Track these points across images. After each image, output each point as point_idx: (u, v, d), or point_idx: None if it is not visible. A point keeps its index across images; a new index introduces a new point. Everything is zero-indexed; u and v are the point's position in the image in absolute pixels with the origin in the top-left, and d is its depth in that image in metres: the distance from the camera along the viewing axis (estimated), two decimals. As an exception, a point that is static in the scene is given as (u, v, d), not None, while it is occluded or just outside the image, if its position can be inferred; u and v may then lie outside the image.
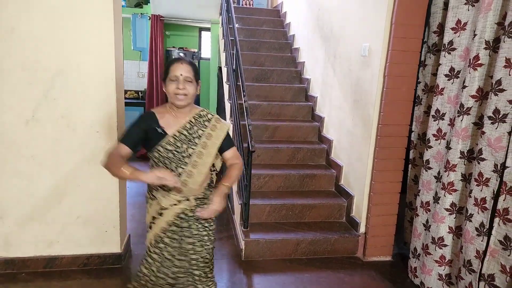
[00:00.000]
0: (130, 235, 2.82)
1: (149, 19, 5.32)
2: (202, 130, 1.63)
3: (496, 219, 1.93)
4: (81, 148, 2.32)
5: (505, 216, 1.89)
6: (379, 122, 2.62)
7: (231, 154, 1.71)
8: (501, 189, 1.91)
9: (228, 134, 1.70)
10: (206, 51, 6.77)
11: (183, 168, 1.59)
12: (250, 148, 2.56)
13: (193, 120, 1.63)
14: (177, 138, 1.59)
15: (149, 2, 5.14)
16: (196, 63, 5.98)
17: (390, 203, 2.76)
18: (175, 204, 1.63)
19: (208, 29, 6.33)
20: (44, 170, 2.31)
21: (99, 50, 2.23)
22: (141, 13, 5.55)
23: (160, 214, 1.65)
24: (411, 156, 2.78)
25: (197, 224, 1.69)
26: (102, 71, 2.25)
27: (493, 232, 1.95)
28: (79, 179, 2.36)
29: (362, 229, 2.86)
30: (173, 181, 1.45)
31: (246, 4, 6.00)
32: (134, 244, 2.83)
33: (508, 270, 1.90)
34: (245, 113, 2.74)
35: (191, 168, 1.60)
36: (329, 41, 3.54)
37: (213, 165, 1.77)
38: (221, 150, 1.69)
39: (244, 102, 2.82)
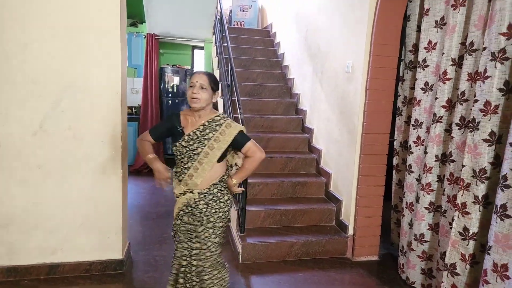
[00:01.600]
0: (130, 242, 2.94)
1: (145, 37, 5.57)
2: (213, 134, 1.88)
3: (456, 213, 2.17)
4: (86, 157, 2.45)
5: (463, 210, 2.14)
6: (363, 131, 2.88)
7: (246, 149, 1.92)
8: (459, 185, 2.16)
9: (241, 133, 1.92)
10: (198, 68, 7.05)
11: (192, 163, 1.87)
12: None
13: (206, 124, 1.90)
14: (191, 137, 1.87)
15: (144, 22, 5.41)
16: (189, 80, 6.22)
17: (374, 205, 2.99)
18: (182, 194, 1.92)
19: (200, 47, 6.63)
20: (50, 179, 2.42)
21: (107, 66, 2.41)
22: (137, 32, 5.82)
23: (175, 200, 1.97)
24: (394, 162, 3.04)
25: (201, 213, 1.91)
26: (110, 85, 2.43)
27: (454, 224, 2.18)
28: (83, 187, 2.47)
29: (350, 231, 3.08)
30: (158, 183, 1.89)
31: (237, 25, 6.32)
32: (134, 251, 2.96)
33: (467, 258, 2.14)
34: (242, 125, 2.97)
35: (198, 164, 1.87)
36: (316, 59, 3.84)
37: (236, 164, 2.06)
38: (237, 147, 1.94)
39: (240, 114, 3.06)
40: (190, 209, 1.92)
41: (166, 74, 6.08)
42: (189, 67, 6.70)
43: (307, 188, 3.50)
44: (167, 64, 6.37)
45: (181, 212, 1.95)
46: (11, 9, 2.24)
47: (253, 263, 2.89)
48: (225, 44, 4.28)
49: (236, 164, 2.05)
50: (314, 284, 2.66)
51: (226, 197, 1.98)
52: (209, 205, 1.92)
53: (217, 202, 1.93)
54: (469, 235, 2.12)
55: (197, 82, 1.85)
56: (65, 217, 2.49)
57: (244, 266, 2.85)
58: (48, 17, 2.30)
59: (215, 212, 1.93)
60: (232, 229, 3.27)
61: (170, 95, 6.12)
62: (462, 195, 2.15)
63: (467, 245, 2.13)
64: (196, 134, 1.88)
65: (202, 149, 1.86)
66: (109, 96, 2.44)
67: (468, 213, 2.12)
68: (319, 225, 3.27)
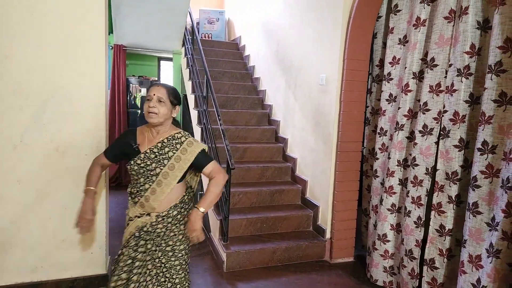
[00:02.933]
0: (111, 256, 2.87)
1: (112, 48, 5.47)
2: (173, 152, 1.73)
3: (432, 212, 2.42)
4: (69, 171, 2.39)
5: (439, 209, 2.39)
6: (338, 140, 3.08)
7: (210, 169, 1.78)
8: (434, 188, 2.41)
9: (203, 152, 1.78)
10: (165, 80, 7.01)
11: (150, 185, 1.72)
12: (230, 166, 2.85)
13: (165, 141, 1.74)
14: (147, 156, 1.72)
15: (112, 33, 5.32)
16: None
17: (350, 209, 3.19)
18: (137, 216, 1.77)
19: (168, 59, 6.61)
20: (30, 194, 2.33)
21: (92, 77, 2.38)
22: (102, 43, 5.68)
23: (127, 224, 1.81)
24: (364, 168, 3.27)
25: (155, 241, 1.76)
26: (94, 97, 2.40)
27: (431, 223, 2.43)
28: (66, 202, 2.40)
29: (328, 235, 3.24)
30: (78, 224, 1.81)
31: (205, 37, 6.40)
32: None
33: (444, 253, 2.38)
34: (222, 135, 3.05)
35: (155, 186, 1.72)
36: (289, 72, 4.03)
37: (191, 187, 1.92)
38: (200, 168, 1.80)
39: (220, 125, 3.13)
40: (142, 233, 1.76)
41: (132, 85, 5.99)
42: (156, 78, 6.64)
43: (285, 195, 3.63)
44: (133, 75, 6.27)
45: (132, 237, 1.76)
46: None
47: (238, 271, 2.95)
48: (198, 56, 4.35)
49: (191, 187, 1.90)
50: (298, 287, 2.78)
51: (186, 219, 1.81)
52: (168, 228, 1.78)
53: (176, 225, 1.80)
54: (445, 231, 2.36)
55: (154, 95, 1.69)
56: (46, 234, 2.40)
57: (229, 274, 2.90)
58: (31, 29, 2.25)
59: (174, 235, 1.79)
60: (214, 239, 3.31)
61: (136, 107, 6.02)
62: (437, 196, 2.39)
63: (444, 240, 2.37)
64: (153, 152, 1.72)
65: (161, 169, 1.71)
66: (94, 108, 2.41)
67: (443, 212, 2.36)
68: (298, 231, 3.41)
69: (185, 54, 5.16)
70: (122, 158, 1.86)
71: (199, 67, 4.46)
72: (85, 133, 2.41)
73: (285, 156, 4.08)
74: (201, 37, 6.35)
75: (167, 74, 6.99)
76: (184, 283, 1.83)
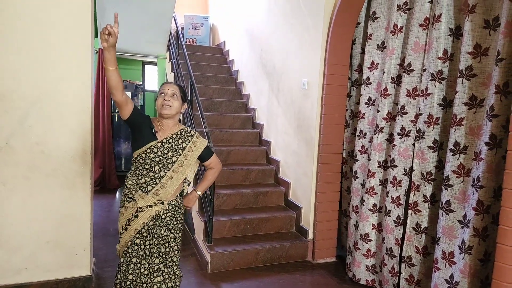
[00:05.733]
0: (95, 258, 2.88)
1: (97, 52, 5.44)
2: (186, 144, 1.93)
3: (409, 211, 2.52)
4: (54, 173, 2.41)
5: (415, 208, 2.49)
6: (320, 142, 3.17)
7: (210, 161, 2.05)
8: (411, 187, 2.52)
9: (207, 146, 2.01)
10: (149, 84, 7.01)
11: (165, 172, 1.86)
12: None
13: (178, 133, 1.93)
14: (164, 144, 1.86)
15: (96, 37, 5.29)
16: (142, 95, 6.17)
17: (331, 210, 3.27)
18: (150, 206, 1.85)
19: (152, 63, 6.62)
20: (15, 196, 2.34)
21: (77, 80, 2.40)
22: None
23: (136, 216, 1.85)
24: (343, 170, 3.36)
25: (166, 227, 1.92)
26: (80, 99, 2.42)
27: (408, 221, 2.53)
28: (51, 204, 2.42)
29: (310, 235, 3.31)
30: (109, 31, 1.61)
31: (189, 42, 6.45)
32: (99, 268, 2.89)
33: (420, 250, 2.48)
34: (207, 138, 3.09)
35: (172, 173, 1.87)
36: (272, 76, 4.11)
37: (185, 178, 2.01)
38: (203, 159, 2.02)
39: (205, 128, 3.18)
40: (158, 221, 1.88)
41: (117, 89, 5.96)
42: (140, 82, 6.64)
43: (268, 197, 3.69)
44: (117, 79, 6.24)
45: (145, 228, 1.86)
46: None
47: (222, 272, 2.98)
48: (183, 61, 4.39)
49: (185, 179, 2.01)
50: (281, 287, 2.83)
51: (183, 208, 2.02)
52: (174, 216, 1.94)
53: (180, 213, 1.98)
54: (421, 229, 2.46)
55: (168, 90, 1.86)
56: (31, 235, 2.40)
57: (214, 275, 2.93)
58: (17, 34, 2.26)
59: (177, 223, 1.96)
60: (198, 240, 3.33)
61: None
62: (413, 195, 2.49)
63: (420, 238, 2.47)
64: (169, 142, 1.88)
65: (177, 158, 1.87)
66: (79, 110, 2.43)
67: (419, 211, 2.46)
68: (281, 232, 3.47)
69: (170, 59, 5.20)
70: (133, 124, 1.83)
71: (184, 71, 4.49)
72: (71, 136, 2.42)
73: (268, 159, 4.15)
74: (186, 42, 6.39)
75: (152, 78, 7.00)
76: (178, 263, 2.04)
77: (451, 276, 2.15)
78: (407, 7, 2.63)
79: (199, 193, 2.05)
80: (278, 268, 3.12)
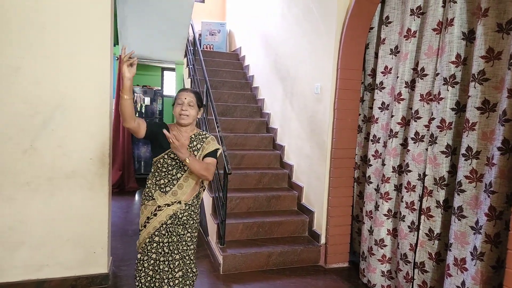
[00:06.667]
0: (112, 257, 2.98)
1: (117, 59, 5.64)
2: (200, 145, 2.03)
3: (422, 216, 2.49)
4: (74, 174, 2.53)
5: (428, 213, 2.46)
6: (332, 147, 3.18)
7: (208, 160, 1.98)
8: (424, 193, 2.49)
9: (216, 150, 2.03)
10: (167, 89, 7.18)
11: (182, 174, 1.97)
12: (227, 171, 2.95)
13: (193, 137, 2.03)
14: None
15: (117, 44, 5.50)
16: (160, 100, 6.34)
17: (344, 215, 3.26)
18: (168, 205, 1.96)
19: (171, 69, 6.79)
20: (38, 196, 2.47)
21: (97, 86, 2.53)
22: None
23: (155, 215, 1.97)
24: (355, 175, 3.35)
25: (183, 226, 2.01)
26: (99, 105, 2.54)
27: (421, 227, 2.50)
28: (71, 203, 2.53)
29: (322, 240, 3.31)
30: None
31: (206, 48, 6.58)
32: (116, 266, 2.99)
33: (433, 256, 2.45)
34: (220, 142, 3.16)
35: (188, 174, 1.98)
36: (286, 81, 4.16)
37: (202, 182, 2.13)
38: (205, 156, 2.01)
39: (218, 132, 3.25)
40: (175, 220, 1.98)
41: (136, 94, 6.15)
42: (159, 88, 6.81)
43: (281, 201, 3.72)
44: (137, 85, 6.45)
45: (163, 226, 1.97)
46: (6, 35, 2.34)
47: (234, 273, 3.02)
48: (199, 66, 4.50)
49: (203, 183, 2.10)
50: (293, 290, 2.85)
51: (199, 209, 2.11)
52: (191, 216, 2.04)
53: (196, 213, 2.08)
54: (434, 235, 2.43)
55: (185, 99, 1.94)
56: (52, 233, 2.52)
57: (226, 276, 2.97)
58: (42, 42, 2.40)
59: (193, 223, 2.06)
60: (212, 242, 3.39)
61: (139, 115, 6.17)
62: (426, 201, 2.47)
63: (433, 244, 2.44)
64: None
65: None
66: (98, 115, 2.55)
67: (432, 216, 2.44)
68: (294, 236, 3.48)
69: (187, 65, 5.32)
70: (151, 138, 1.96)
71: (200, 77, 4.60)
72: (90, 139, 2.54)
73: (282, 163, 4.18)
74: (203, 48, 6.52)
75: (170, 84, 7.17)
76: (194, 261, 2.12)
77: (463, 283, 2.12)
78: (421, 11, 2.62)
79: (188, 160, 1.81)
80: (289, 272, 3.13)
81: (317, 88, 3.39)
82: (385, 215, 2.83)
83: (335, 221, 3.24)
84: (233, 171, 3.80)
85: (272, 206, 3.69)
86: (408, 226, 2.61)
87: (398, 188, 2.79)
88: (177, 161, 1.95)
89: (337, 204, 3.23)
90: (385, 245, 2.85)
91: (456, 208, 2.20)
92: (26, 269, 2.50)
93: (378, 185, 2.93)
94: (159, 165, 1.98)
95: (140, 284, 2.01)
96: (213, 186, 3.42)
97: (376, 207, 2.89)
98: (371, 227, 2.97)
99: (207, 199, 3.71)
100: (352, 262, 3.36)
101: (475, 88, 2.15)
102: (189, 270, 2.08)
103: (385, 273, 2.86)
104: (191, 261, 2.09)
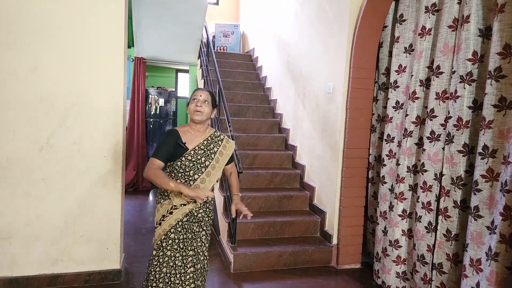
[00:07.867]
0: (124, 254, 3.02)
1: (133, 61, 5.75)
2: (217, 148, 2.06)
3: (440, 217, 2.44)
4: (89, 171, 2.58)
5: (446, 214, 2.41)
6: (344, 146, 3.15)
7: (231, 165, 2.21)
8: (441, 192, 2.44)
9: (234, 151, 2.14)
10: (181, 90, 7.27)
11: (199, 175, 2.00)
12: (238, 170, 2.96)
13: (209, 139, 2.05)
14: (196, 151, 1.99)
15: (133, 46, 5.60)
16: (174, 101, 6.41)
17: (356, 215, 3.22)
18: (184, 204, 1.99)
19: (185, 71, 6.87)
20: (54, 192, 2.53)
21: (111, 86, 2.59)
22: (124, 56, 5.99)
23: (171, 213, 1.99)
24: (370, 175, 3.30)
25: (198, 224, 2.04)
26: (113, 104, 2.60)
27: (438, 227, 2.45)
28: (85, 200, 2.59)
29: (334, 241, 3.28)
30: (203, 199, 1.83)
31: (220, 49, 6.63)
32: (128, 263, 3.03)
33: (451, 257, 2.39)
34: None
35: (205, 176, 2.01)
36: (298, 82, 4.15)
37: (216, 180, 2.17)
38: (228, 163, 2.14)
39: (230, 132, 3.26)
40: (191, 218, 2.01)
41: (151, 95, 6.24)
42: (173, 89, 6.90)
43: (293, 201, 3.70)
44: (152, 86, 6.54)
45: (179, 223, 2.00)
46: (24, 36, 2.41)
47: (244, 272, 3.02)
48: (212, 68, 4.53)
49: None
50: (303, 290, 2.83)
51: (213, 205, 2.14)
52: (206, 213, 2.07)
53: (211, 210, 2.11)
54: (452, 236, 2.37)
55: (200, 96, 1.97)
56: (67, 229, 2.58)
57: (236, 275, 2.97)
58: (59, 43, 2.48)
59: (208, 220, 2.10)
60: (223, 241, 3.40)
61: (154, 116, 6.26)
62: (444, 201, 2.42)
63: (451, 245, 2.38)
64: (201, 148, 2.00)
65: (210, 162, 2.01)
66: (112, 113, 2.60)
67: (449, 216, 2.38)
68: (305, 236, 3.46)
69: (201, 66, 5.37)
70: (171, 159, 1.98)
71: (213, 77, 4.64)
72: (104, 137, 2.60)
73: (294, 163, 4.16)
74: (217, 50, 6.58)
75: (184, 85, 7.25)
76: (207, 257, 2.15)
77: (478, 284, 2.06)
78: (436, 8, 2.58)
79: (239, 194, 2.19)
80: (300, 272, 3.11)
81: (329, 87, 3.37)
82: (400, 215, 2.78)
83: (347, 222, 3.20)
84: (245, 171, 3.81)
85: (284, 206, 3.68)
86: (425, 227, 2.56)
87: (413, 188, 2.73)
88: (195, 162, 1.98)
89: (349, 205, 3.19)
90: (400, 246, 2.80)
91: (472, 208, 2.15)
92: (41, 263, 2.56)
93: (392, 185, 2.88)
94: (176, 167, 1.99)
95: (154, 279, 2.04)
96: (225, 185, 3.43)
97: (391, 207, 2.85)
98: (385, 228, 2.92)
99: (218, 198, 3.73)
100: (365, 263, 3.31)
101: (491, 85, 2.10)
102: (202, 266, 2.10)
103: (400, 274, 2.81)
104: (205, 257, 2.11)
